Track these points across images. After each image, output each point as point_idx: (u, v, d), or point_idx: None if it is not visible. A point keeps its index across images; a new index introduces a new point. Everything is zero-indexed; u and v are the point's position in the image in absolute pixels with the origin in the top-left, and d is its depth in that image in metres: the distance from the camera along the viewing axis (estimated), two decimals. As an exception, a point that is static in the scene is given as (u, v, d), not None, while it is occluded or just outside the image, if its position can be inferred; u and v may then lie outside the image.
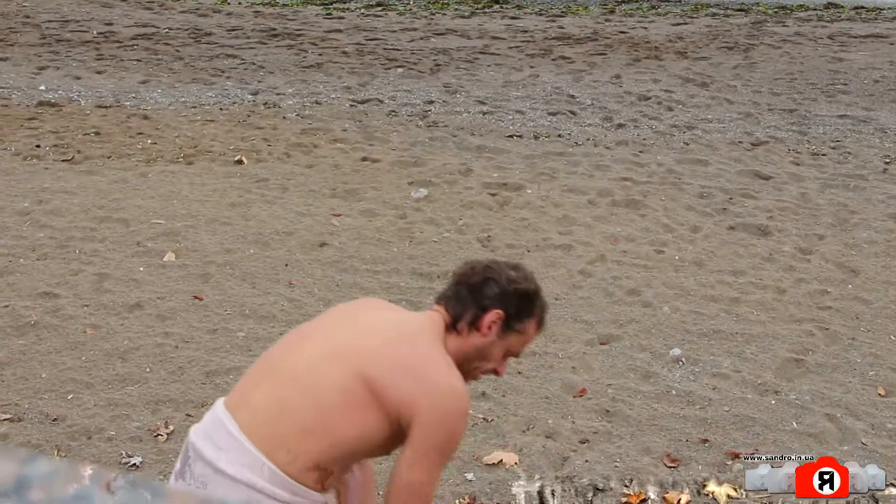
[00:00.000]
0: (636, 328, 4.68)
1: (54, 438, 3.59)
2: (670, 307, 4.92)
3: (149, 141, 7.40)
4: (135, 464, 3.52)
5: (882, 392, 4.17)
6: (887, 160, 7.47)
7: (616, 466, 3.60)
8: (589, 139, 7.87)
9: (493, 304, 2.28)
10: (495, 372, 2.42)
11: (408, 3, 14.97)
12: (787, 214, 6.27)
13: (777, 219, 6.19)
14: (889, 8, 14.74)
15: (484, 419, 3.85)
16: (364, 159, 7.11)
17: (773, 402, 4.05)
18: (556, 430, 3.80)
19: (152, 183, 6.47)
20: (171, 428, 3.73)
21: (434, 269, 5.26)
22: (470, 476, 3.52)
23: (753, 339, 4.60)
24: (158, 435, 3.68)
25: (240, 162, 6.95)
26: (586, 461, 3.61)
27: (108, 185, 6.40)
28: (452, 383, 2.19)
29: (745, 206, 6.39)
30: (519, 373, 4.22)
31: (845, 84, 9.89)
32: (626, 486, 3.50)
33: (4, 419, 3.70)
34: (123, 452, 3.55)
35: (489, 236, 5.76)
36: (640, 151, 7.57)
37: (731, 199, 6.53)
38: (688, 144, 7.80)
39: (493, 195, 6.45)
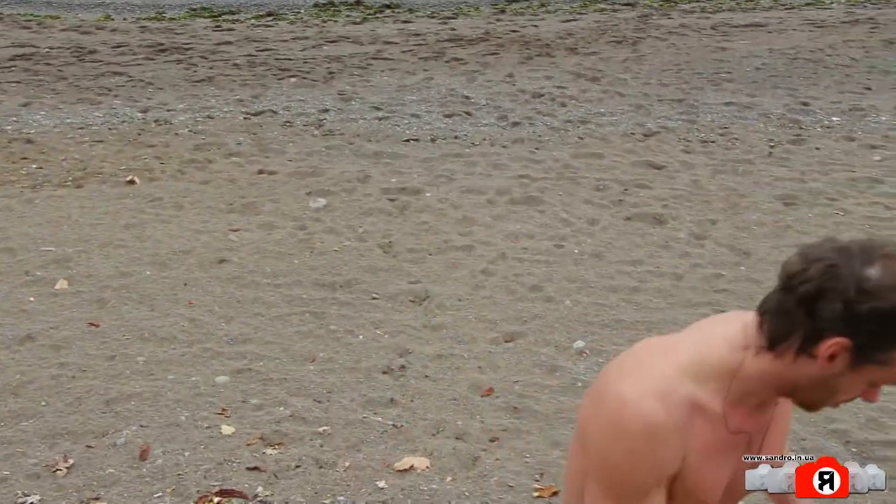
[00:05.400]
0: (540, 324, 4.74)
1: (-56, 483, 3.43)
2: (572, 300, 4.99)
3: (34, 165, 7.14)
4: (32, 503, 3.38)
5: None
6: (772, 144, 7.74)
7: (526, 462, 3.63)
8: (485, 139, 7.93)
9: (831, 329, 1.51)
10: (865, 398, 1.62)
11: (299, 12, 14.84)
12: (681, 202, 6.44)
13: (671, 207, 6.34)
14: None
15: (393, 426, 3.83)
16: (260, 172, 7.01)
17: (675, 386, 4.14)
18: (465, 431, 3.80)
19: (39, 209, 6.24)
20: (71, 461, 3.61)
21: (336, 279, 5.21)
22: (381, 484, 3.50)
23: (654, 325, 4.70)
24: (57, 470, 3.55)
25: (132, 182, 6.77)
26: (497, 459, 3.63)
27: (-7, 213, 6.15)
28: (617, 390, 1.62)
29: (640, 196, 6.53)
30: (426, 377, 4.22)
31: (729, 72, 10.21)
32: (536, 480, 3.53)
33: None
34: (19, 492, 3.42)
35: (390, 242, 5.74)
36: (536, 148, 7.67)
37: (626, 190, 6.66)
38: (582, 139, 7.93)
39: (393, 200, 6.44)
